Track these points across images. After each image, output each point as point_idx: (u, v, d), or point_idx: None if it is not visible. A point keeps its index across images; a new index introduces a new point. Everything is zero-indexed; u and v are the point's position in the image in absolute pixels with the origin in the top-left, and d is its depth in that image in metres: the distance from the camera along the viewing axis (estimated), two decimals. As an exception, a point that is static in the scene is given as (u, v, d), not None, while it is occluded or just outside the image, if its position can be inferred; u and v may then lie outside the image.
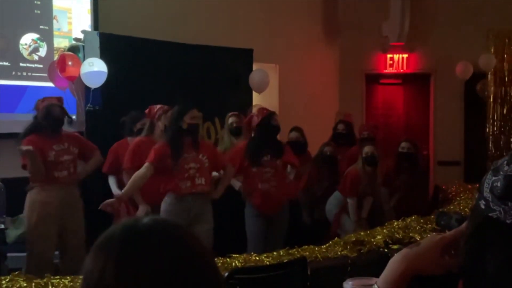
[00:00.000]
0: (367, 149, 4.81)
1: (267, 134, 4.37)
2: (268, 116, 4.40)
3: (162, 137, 4.11)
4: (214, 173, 4.32)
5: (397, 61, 7.92)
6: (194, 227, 3.89)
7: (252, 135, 4.49)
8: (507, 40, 7.73)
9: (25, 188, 4.10)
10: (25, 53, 5.23)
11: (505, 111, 7.84)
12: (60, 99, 4.24)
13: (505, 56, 7.73)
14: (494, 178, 0.91)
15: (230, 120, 5.04)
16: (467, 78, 7.30)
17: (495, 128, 7.84)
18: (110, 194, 4.37)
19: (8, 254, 4.19)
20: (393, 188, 5.26)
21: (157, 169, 3.88)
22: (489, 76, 7.65)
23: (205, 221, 3.98)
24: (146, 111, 4.40)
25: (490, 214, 0.90)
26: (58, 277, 2.65)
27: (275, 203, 4.35)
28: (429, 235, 1.11)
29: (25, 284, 2.51)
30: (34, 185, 4.03)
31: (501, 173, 0.91)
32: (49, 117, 4.07)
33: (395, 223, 3.84)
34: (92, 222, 4.11)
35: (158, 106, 4.36)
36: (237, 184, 4.50)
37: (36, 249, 3.98)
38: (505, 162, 0.91)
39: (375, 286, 1.05)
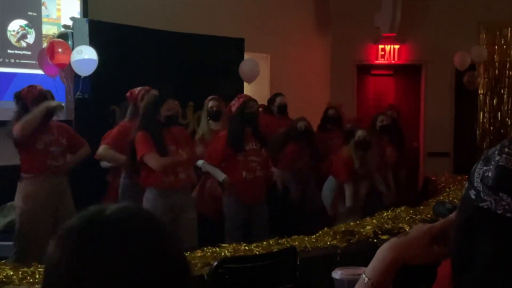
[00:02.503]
0: (360, 132, 4.82)
1: (243, 122, 4.27)
2: (243, 103, 4.32)
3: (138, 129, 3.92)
4: (199, 162, 4.30)
5: (389, 52, 7.93)
6: (179, 218, 3.87)
7: (229, 122, 4.42)
8: (498, 32, 7.76)
9: (13, 177, 4.05)
10: (13, 40, 5.16)
11: (495, 103, 7.88)
12: (48, 92, 4.16)
13: (496, 47, 7.76)
14: (485, 168, 0.90)
15: (210, 103, 4.86)
16: (464, 68, 7.31)
17: (485, 120, 7.88)
18: (97, 182, 4.35)
19: (-4, 243, 4.16)
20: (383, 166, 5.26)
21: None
22: (479, 68, 7.67)
23: (189, 211, 3.93)
24: (127, 94, 4.35)
25: (480, 204, 0.89)
26: (45, 265, 2.62)
27: (258, 192, 4.30)
28: (417, 225, 1.10)
29: (11, 273, 2.49)
30: (26, 175, 3.97)
31: (493, 163, 0.89)
32: (43, 100, 3.97)
33: (385, 214, 3.86)
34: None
35: (139, 88, 4.31)
36: (221, 175, 4.34)
37: (29, 240, 3.89)
38: (496, 152, 0.90)
39: (363, 275, 1.04)
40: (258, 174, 4.28)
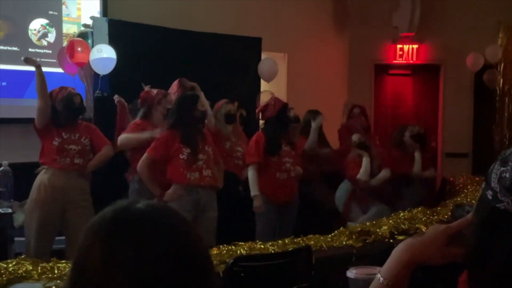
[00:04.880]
0: (355, 137, 4.95)
1: (281, 126, 4.41)
2: (282, 107, 4.44)
3: (166, 123, 4.06)
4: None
5: (407, 51, 7.86)
6: (201, 216, 3.92)
7: (267, 125, 4.50)
8: (518, 32, 7.65)
9: (33, 172, 4.11)
10: (34, 39, 5.23)
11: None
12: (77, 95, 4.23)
13: (516, 48, 7.65)
14: (502, 168, 0.90)
15: (228, 107, 4.84)
16: (477, 69, 7.23)
17: (504, 121, 7.78)
18: (116, 180, 4.39)
19: (16, 239, 4.22)
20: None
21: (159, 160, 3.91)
22: (498, 67, 7.57)
23: (211, 209, 3.99)
24: (142, 95, 4.39)
25: (497, 205, 0.88)
26: (64, 261, 2.66)
27: (290, 193, 4.40)
28: (433, 225, 1.10)
29: (31, 268, 2.53)
30: (43, 167, 4.04)
31: (510, 163, 0.89)
32: (70, 106, 4.07)
33: (401, 214, 3.83)
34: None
35: (155, 90, 4.36)
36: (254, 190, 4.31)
37: (34, 231, 3.94)
38: (514, 153, 0.90)
39: (378, 275, 1.04)
40: (292, 175, 4.39)
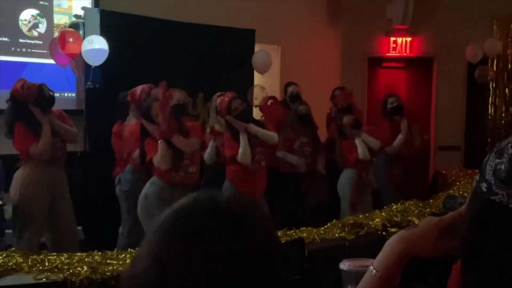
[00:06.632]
0: (346, 119, 4.92)
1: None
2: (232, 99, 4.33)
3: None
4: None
5: (400, 44, 7.85)
6: None
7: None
8: (511, 25, 7.65)
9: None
10: (24, 29, 5.18)
11: (507, 97, 7.79)
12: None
13: (509, 41, 7.66)
14: (497, 160, 0.88)
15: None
16: (476, 61, 7.23)
17: (497, 114, 7.81)
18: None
19: (6, 231, 4.19)
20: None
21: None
22: (490, 62, 7.58)
23: None
24: (128, 98, 4.35)
25: (492, 198, 0.87)
26: (54, 254, 2.65)
27: (260, 184, 4.30)
28: (426, 217, 1.09)
29: (21, 260, 2.51)
30: (22, 163, 3.99)
31: (506, 156, 0.87)
32: (42, 97, 3.97)
33: (394, 207, 3.84)
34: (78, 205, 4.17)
35: (140, 88, 4.31)
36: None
37: (22, 230, 3.91)
38: (510, 145, 0.87)
39: (371, 267, 1.03)
40: (262, 165, 4.29)
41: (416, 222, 1.35)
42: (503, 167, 0.86)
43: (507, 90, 7.78)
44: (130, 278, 0.78)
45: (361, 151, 4.76)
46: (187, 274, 0.74)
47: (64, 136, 4.07)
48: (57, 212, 4.03)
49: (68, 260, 2.57)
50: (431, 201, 4.18)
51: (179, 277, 0.74)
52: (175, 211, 0.80)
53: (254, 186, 4.21)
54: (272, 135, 4.28)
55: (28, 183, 3.94)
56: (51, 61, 5.03)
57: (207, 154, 4.49)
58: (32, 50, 5.23)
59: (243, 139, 4.09)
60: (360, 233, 3.28)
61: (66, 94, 5.36)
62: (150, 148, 3.83)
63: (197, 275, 0.74)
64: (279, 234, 3.14)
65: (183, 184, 3.85)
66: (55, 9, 5.41)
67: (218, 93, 4.83)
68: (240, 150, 4.10)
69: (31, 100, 3.93)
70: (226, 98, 4.30)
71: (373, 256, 1.06)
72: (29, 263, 2.50)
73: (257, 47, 6.13)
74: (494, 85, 7.73)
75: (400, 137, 5.23)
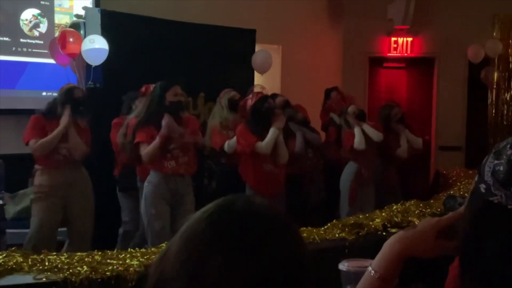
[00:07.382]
0: (350, 108, 4.95)
1: (260, 118, 4.28)
2: (261, 99, 4.38)
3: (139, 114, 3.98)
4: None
5: (401, 44, 7.84)
6: (178, 208, 3.89)
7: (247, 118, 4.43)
8: (513, 26, 7.65)
9: (24, 165, 4.08)
10: (25, 29, 5.18)
11: (508, 97, 7.78)
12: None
13: (510, 41, 7.65)
14: (496, 161, 0.88)
15: (231, 94, 4.82)
16: (478, 61, 7.22)
17: (498, 114, 7.80)
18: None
19: (7, 230, 4.20)
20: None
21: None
22: (495, 63, 7.57)
23: (187, 202, 3.93)
24: (142, 89, 4.36)
25: (490, 199, 0.87)
26: (54, 253, 2.65)
27: (277, 184, 4.33)
28: (425, 218, 1.09)
29: (21, 260, 2.51)
30: (38, 168, 3.99)
31: (504, 157, 0.87)
32: (70, 99, 4.04)
33: (394, 207, 3.84)
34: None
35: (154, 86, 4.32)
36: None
37: (39, 232, 3.92)
38: (508, 146, 0.88)
39: (370, 268, 1.03)
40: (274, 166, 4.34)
41: (416, 223, 1.35)
42: (501, 168, 0.86)
43: (508, 90, 7.77)
44: None
45: (357, 140, 4.74)
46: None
47: (71, 150, 4.05)
48: (72, 215, 4.04)
49: (68, 260, 2.57)
50: (431, 201, 4.17)
51: None
52: (209, 223, 0.76)
53: (272, 187, 4.25)
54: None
55: (40, 188, 3.96)
56: (52, 61, 5.03)
57: (227, 144, 4.45)
58: (33, 50, 5.23)
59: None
60: (360, 234, 3.27)
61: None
62: (141, 137, 3.83)
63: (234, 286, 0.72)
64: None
65: (179, 174, 3.86)
66: (56, 9, 5.42)
67: (225, 90, 4.83)
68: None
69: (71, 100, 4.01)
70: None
71: (374, 256, 1.06)
72: (29, 263, 2.50)
73: (257, 47, 6.12)
74: (495, 85, 7.72)
75: (403, 142, 5.18)
